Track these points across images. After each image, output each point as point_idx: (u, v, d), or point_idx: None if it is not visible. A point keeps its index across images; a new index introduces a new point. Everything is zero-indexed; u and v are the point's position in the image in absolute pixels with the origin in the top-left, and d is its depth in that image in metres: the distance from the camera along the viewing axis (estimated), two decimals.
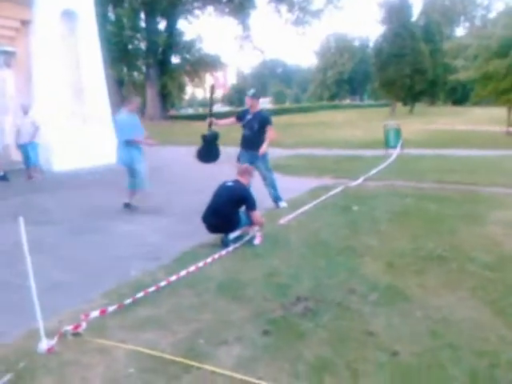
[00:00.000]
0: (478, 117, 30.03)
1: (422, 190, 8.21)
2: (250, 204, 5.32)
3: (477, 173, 9.69)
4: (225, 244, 5.24)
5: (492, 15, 59.64)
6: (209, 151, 7.12)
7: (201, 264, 4.60)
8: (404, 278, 4.23)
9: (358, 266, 4.56)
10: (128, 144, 7.06)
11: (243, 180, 5.54)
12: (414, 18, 44.98)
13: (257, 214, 5.41)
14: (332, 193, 8.04)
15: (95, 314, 3.52)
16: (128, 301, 3.75)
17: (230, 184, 5.47)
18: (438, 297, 3.83)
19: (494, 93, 19.48)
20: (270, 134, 6.99)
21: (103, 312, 3.57)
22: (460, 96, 51.81)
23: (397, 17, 40.26)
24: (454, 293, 3.90)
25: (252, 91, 7.22)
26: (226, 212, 5.26)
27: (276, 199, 7.30)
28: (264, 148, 6.90)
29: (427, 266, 4.50)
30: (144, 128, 7.54)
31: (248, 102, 7.09)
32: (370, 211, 6.75)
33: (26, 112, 10.95)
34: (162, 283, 4.08)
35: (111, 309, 3.63)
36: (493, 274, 4.25)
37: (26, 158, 10.99)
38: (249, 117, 7.00)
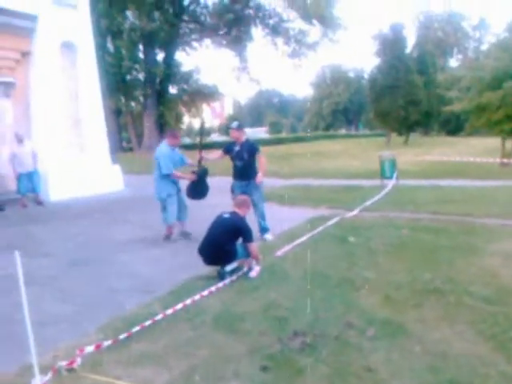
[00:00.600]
0: (472, 147, 30.30)
1: (417, 221, 8.22)
2: (247, 236, 5.31)
3: (472, 204, 9.73)
4: (221, 276, 5.20)
5: (484, 47, 61.00)
6: (198, 187, 7.16)
7: (197, 297, 4.56)
8: (402, 312, 4.20)
9: (355, 299, 4.53)
10: (164, 178, 7.09)
11: (241, 212, 5.55)
12: (408, 50, 45.82)
13: (254, 246, 5.40)
14: (328, 224, 8.04)
15: (90, 348, 3.47)
16: (123, 335, 3.70)
17: (226, 216, 5.47)
18: (436, 331, 3.80)
19: (488, 124, 19.70)
20: (262, 160, 7.19)
21: (98, 347, 3.53)
22: (454, 126, 52.30)
23: (391, 49, 40.98)
24: (453, 326, 3.87)
25: (236, 123, 7.40)
26: (223, 244, 5.24)
27: (263, 230, 7.28)
28: (261, 176, 7.01)
29: (425, 299, 4.48)
30: (187, 158, 7.50)
31: (234, 134, 7.21)
32: (366, 242, 6.74)
33: (20, 141, 11.07)
34: (158, 317, 4.04)
35: (106, 344, 3.58)
36: (491, 307, 4.23)
37: (23, 187, 11.05)
38: (237, 148, 7.10)
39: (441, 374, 3.15)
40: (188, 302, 4.41)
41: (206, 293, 4.69)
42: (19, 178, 11.05)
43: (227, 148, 7.31)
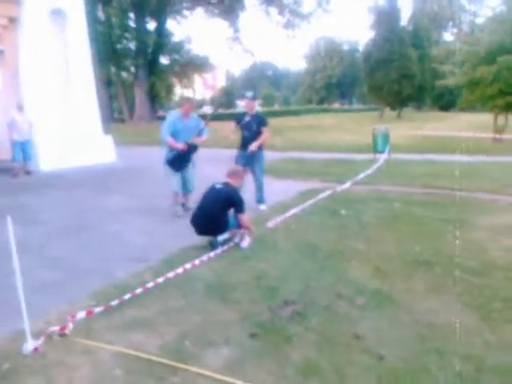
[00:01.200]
0: (465, 122, 30.29)
1: (409, 195, 8.28)
2: (239, 207, 5.31)
3: (464, 178, 9.74)
4: (213, 246, 5.22)
5: (480, 21, 60.52)
6: (181, 159, 6.81)
7: (188, 266, 4.59)
8: (391, 283, 4.26)
9: (345, 270, 4.58)
10: (165, 145, 6.92)
11: (233, 182, 5.53)
12: (403, 23, 45.33)
13: (245, 218, 5.40)
14: (320, 196, 8.07)
15: (82, 314, 3.49)
16: (115, 302, 3.72)
17: (218, 187, 5.46)
18: (424, 301, 3.86)
19: (481, 99, 19.70)
20: (265, 135, 7.24)
21: (90, 313, 3.55)
22: (447, 101, 52.16)
23: (386, 22, 40.50)
24: (440, 297, 3.94)
25: (251, 94, 7.62)
26: (215, 214, 5.24)
27: (260, 200, 7.41)
28: (254, 146, 7.03)
29: (414, 271, 4.54)
30: (205, 130, 7.02)
31: (248, 104, 7.39)
32: (357, 215, 6.79)
33: (20, 108, 10.96)
34: (149, 284, 4.07)
35: (98, 310, 3.60)
36: (478, 279, 4.30)
37: (18, 155, 10.99)
38: (247, 118, 7.21)
39: (428, 343, 3.21)
40: (179, 270, 4.44)
41: (197, 262, 4.72)
42: (14, 145, 10.96)
43: (238, 118, 7.41)
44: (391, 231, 5.97)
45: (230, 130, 7.50)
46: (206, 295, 4.00)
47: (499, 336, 3.29)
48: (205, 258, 4.87)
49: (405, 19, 47.42)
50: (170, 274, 4.32)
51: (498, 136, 18.51)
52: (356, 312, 3.68)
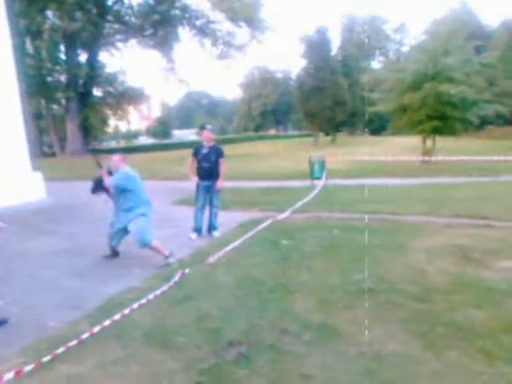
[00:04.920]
0: (396, 146, 31.70)
1: (347, 221, 8.39)
2: None
3: (397, 202, 10.10)
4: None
5: (405, 49, 64.33)
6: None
7: (127, 311, 4.35)
8: (336, 314, 4.22)
9: (290, 304, 4.51)
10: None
11: None
12: (333, 53, 47.18)
13: None
14: (261, 227, 8.01)
15: (9, 375, 3.19)
16: (47, 358, 3.44)
17: None
18: (369, 331, 3.84)
19: (410, 123, 20.67)
20: (224, 167, 7.61)
21: (18, 373, 3.25)
22: (378, 126, 54.36)
23: (317, 51, 41.98)
24: (385, 326, 3.94)
25: (210, 125, 8.08)
26: None
27: (214, 227, 7.79)
28: (221, 183, 7.58)
29: (357, 300, 4.53)
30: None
31: (208, 135, 7.62)
32: (298, 245, 6.78)
33: None
34: (85, 335, 3.80)
35: (28, 368, 3.31)
36: (420, 304, 4.35)
37: None
38: (205, 150, 7.53)
39: (376, 376, 3.17)
40: (117, 317, 4.19)
41: (135, 306, 4.48)
42: None
43: (195, 151, 7.63)
44: (332, 260, 5.98)
45: (189, 169, 7.70)
46: (146, 343, 3.78)
47: (445, 363, 3.31)
48: (143, 301, 4.64)
49: (335, 49, 49.45)
50: (107, 322, 4.07)
51: (426, 158, 19.40)
52: (302, 348, 3.61)
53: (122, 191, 5.98)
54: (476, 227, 7.51)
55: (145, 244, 5.93)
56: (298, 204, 10.24)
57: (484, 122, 31.12)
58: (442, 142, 21.77)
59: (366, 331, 3.84)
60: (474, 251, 6.05)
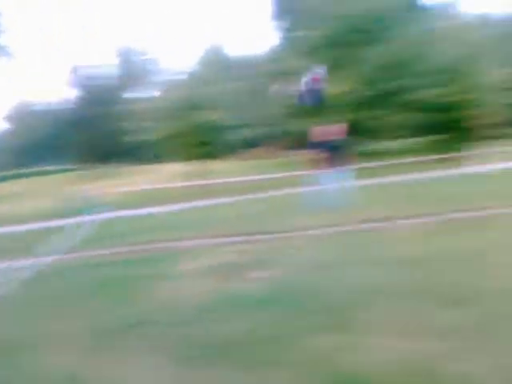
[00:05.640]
0: (169, 173, 32.35)
1: (117, 255, 8.06)
2: None
3: (169, 229, 10.19)
4: None
5: (174, 79, 66.27)
6: None
7: None
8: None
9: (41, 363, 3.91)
10: None
11: None
12: (101, 83, 45.90)
13: None
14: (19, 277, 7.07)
15: None
16: None
17: None
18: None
19: (183, 149, 21.48)
20: None
21: None
22: (145, 154, 54.67)
23: (85, 83, 40.60)
24: (151, 359, 3.74)
25: None
26: None
27: None
28: None
29: (126, 341, 4.25)
30: None
31: None
32: (63, 291, 6.18)
33: None
34: None
35: None
36: (185, 329, 4.28)
37: None
38: None
39: None
40: None
41: None
42: None
43: None
44: (97, 300, 5.58)
45: None
46: None
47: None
48: None
49: (105, 79, 48.13)
50: None
51: (203, 182, 20.26)
52: None
53: None
54: (238, 244, 7.97)
55: None
56: (65, 245, 9.44)
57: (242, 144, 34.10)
58: (209, 165, 22.99)
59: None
60: (233, 266, 6.36)
